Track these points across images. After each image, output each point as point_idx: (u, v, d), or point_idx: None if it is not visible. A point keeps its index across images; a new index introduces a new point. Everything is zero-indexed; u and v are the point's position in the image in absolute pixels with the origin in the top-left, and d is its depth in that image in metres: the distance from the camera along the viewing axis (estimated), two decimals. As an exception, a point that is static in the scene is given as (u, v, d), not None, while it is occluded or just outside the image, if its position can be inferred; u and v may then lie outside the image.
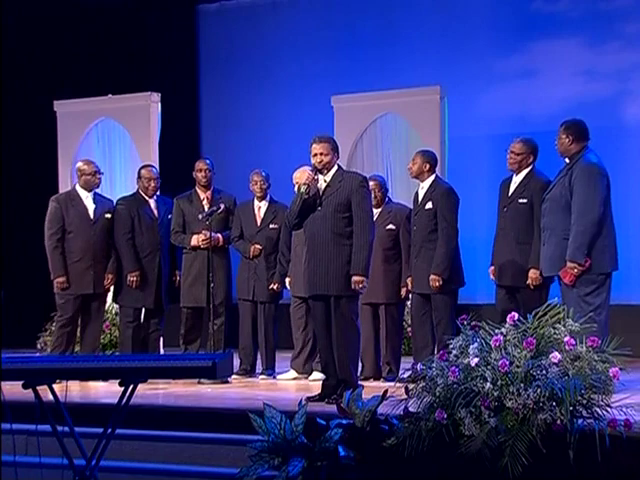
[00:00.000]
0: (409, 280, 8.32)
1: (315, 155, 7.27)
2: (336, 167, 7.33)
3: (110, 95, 11.19)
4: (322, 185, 7.29)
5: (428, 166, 8.19)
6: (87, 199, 9.04)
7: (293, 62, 12.34)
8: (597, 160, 7.29)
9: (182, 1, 13.05)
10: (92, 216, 9.00)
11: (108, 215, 9.07)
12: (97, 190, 9.20)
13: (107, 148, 11.31)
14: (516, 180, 7.88)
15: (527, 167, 7.85)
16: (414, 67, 11.41)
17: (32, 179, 12.21)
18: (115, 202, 9.22)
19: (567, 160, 7.38)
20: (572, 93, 10.79)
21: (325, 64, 12.08)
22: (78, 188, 9.11)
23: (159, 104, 10.88)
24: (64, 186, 10.51)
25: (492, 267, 7.96)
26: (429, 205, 8.11)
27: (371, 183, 8.01)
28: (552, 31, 11.00)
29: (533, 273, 7.60)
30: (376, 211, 8.26)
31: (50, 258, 8.96)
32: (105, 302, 9.30)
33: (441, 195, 8.11)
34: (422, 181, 8.22)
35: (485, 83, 11.34)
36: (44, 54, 12.52)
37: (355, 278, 7.12)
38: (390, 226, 8.47)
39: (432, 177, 8.21)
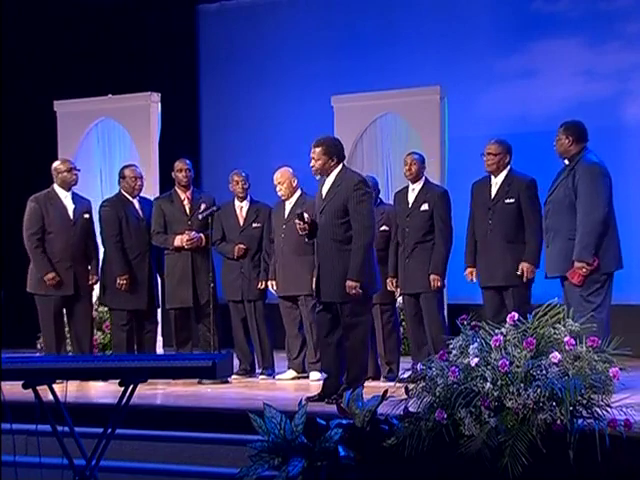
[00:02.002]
0: (392, 281, 8.30)
1: (311, 159, 7.29)
2: (339, 169, 7.26)
3: (110, 95, 11.19)
4: (325, 189, 7.27)
5: (424, 168, 8.37)
6: (66, 199, 8.96)
7: (293, 62, 12.32)
8: (598, 160, 7.30)
9: (182, 1, 13.04)
10: (72, 216, 8.92)
11: (87, 215, 9.00)
12: (77, 189, 9.11)
13: (107, 148, 11.31)
14: (497, 181, 7.92)
15: (505, 168, 7.91)
16: (414, 67, 11.39)
17: (32, 179, 12.17)
18: (100, 204, 9.12)
19: (566, 161, 7.39)
20: (572, 93, 10.78)
21: (325, 64, 12.06)
22: (56, 188, 8.99)
23: (159, 104, 10.87)
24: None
25: (471, 269, 7.97)
26: (425, 207, 8.19)
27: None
28: (552, 31, 10.99)
29: (527, 267, 7.62)
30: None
31: (33, 258, 8.88)
32: (91, 303, 9.17)
33: (438, 197, 8.24)
34: (413, 183, 8.29)
35: (485, 83, 11.33)
36: (44, 54, 12.51)
37: (348, 283, 7.08)
38: (383, 227, 8.45)
39: (423, 179, 8.36)
